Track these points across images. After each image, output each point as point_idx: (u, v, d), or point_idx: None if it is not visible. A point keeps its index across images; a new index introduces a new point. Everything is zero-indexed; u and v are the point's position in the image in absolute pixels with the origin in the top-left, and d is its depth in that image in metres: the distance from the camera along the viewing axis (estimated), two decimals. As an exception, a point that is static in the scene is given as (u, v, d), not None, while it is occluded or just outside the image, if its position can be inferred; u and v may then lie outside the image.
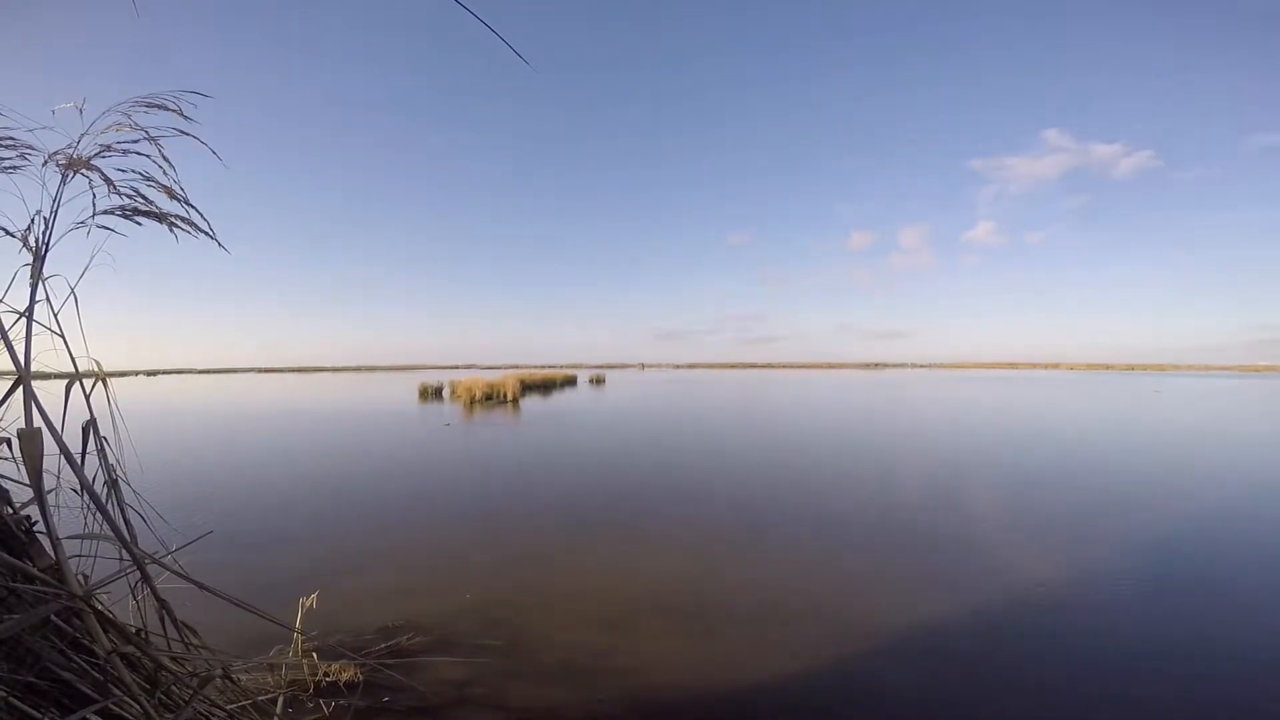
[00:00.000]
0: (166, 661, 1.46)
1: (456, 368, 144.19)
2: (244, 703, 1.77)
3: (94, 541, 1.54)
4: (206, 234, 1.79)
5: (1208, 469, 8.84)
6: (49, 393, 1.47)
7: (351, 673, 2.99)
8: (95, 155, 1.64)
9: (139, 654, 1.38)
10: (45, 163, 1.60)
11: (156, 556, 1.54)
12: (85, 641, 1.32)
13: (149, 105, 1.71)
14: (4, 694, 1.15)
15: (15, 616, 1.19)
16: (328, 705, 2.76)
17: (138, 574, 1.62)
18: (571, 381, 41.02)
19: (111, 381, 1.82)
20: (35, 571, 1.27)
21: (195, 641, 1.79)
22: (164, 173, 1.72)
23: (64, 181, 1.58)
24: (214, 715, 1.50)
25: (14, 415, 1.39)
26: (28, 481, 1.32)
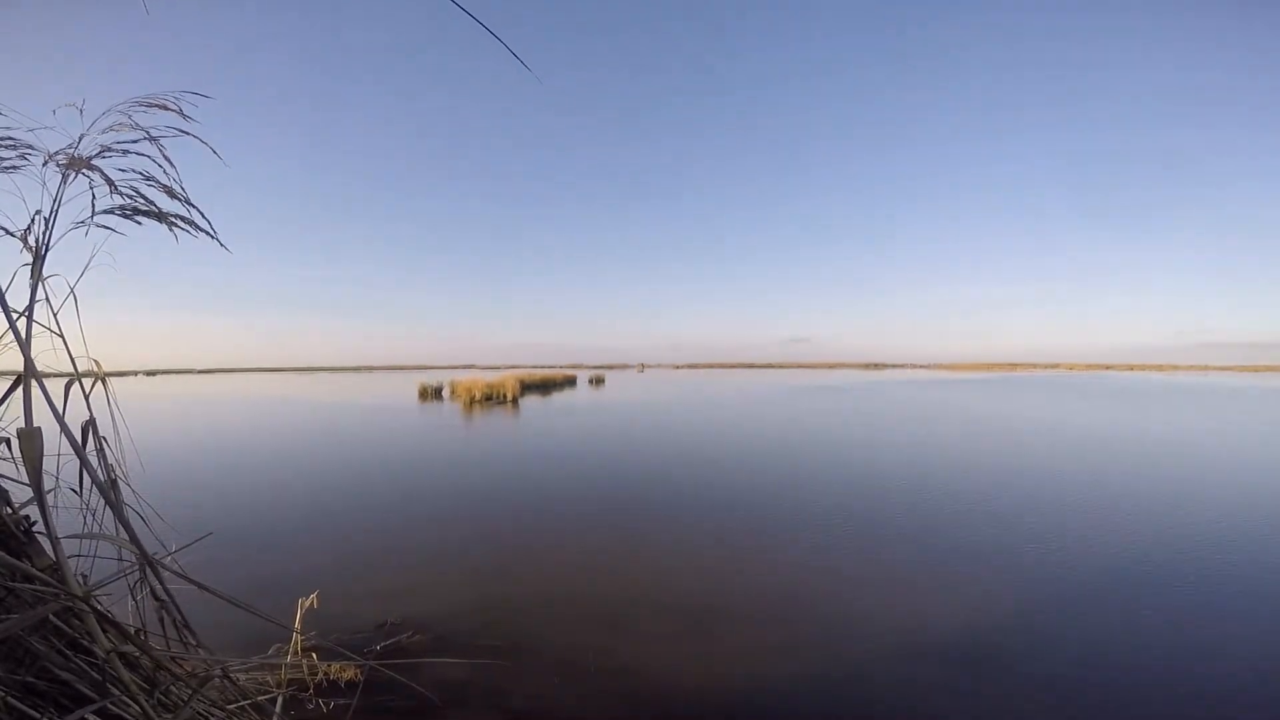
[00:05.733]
0: (166, 661, 1.46)
1: (456, 368, 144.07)
2: (243, 703, 1.77)
3: (94, 541, 1.54)
4: (208, 233, 1.79)
5: None
6: (48, 392, 1.47)
7: (351, 673, 2.99)
8: (96, 155, 1.64)
9: (138, 654, 1.38)
10: (45, 163, 1.60)
11: (156, 557, 1.53)
12: (84, 642, 1.32)
13: (149, 105, 1.71)
14: (2, 694, 1.15)
15: (14, 616, 1.19)
16: (327, 705, 2.76)
17: (137, 574, 1.62)
18: (571, 382, 40.98)
19: (111, 381, 1.82)
20: (34, 571, 1.27)
21: (194, 641, 1.79)
22: (164, 172, 1.72)
23: (64, 181, 1.58)
24: (213, 715, 1.50)
25: (13, 415, 1.39)
26: (27, 481, 1.32)
